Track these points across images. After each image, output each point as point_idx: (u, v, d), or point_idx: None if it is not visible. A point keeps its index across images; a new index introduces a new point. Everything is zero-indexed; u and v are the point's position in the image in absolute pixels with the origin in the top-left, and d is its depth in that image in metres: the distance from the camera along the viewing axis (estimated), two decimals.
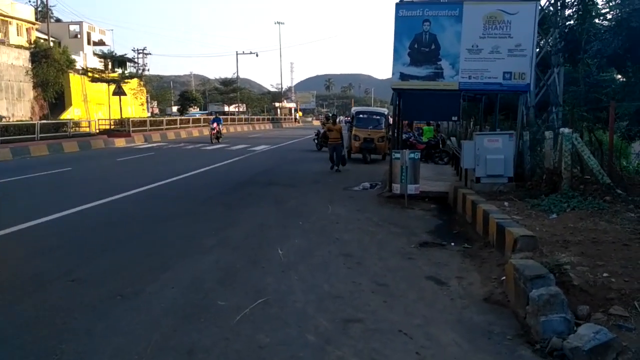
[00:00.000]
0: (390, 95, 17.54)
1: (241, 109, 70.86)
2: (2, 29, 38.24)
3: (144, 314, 4.70)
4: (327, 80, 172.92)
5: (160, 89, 68.62)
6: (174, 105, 70.20)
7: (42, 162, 18.80)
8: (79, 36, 50.66)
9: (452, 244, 7.46)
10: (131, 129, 31.34)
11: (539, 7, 10.87)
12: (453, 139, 19.26)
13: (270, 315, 4.74)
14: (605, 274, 4.77)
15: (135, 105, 46.85)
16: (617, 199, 7.84)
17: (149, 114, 50.52)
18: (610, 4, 10.98)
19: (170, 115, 55.32)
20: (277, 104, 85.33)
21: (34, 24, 42.72)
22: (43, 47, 37.75)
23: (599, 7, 11.52)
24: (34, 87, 36.10)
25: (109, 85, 34.93)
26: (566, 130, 8.85)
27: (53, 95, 36.93)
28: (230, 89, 68.67)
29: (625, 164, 11.76)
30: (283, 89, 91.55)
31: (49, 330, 4.36)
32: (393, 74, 10.83)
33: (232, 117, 56.04)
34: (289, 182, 13.92)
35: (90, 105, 40.97)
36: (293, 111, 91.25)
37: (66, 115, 36.09)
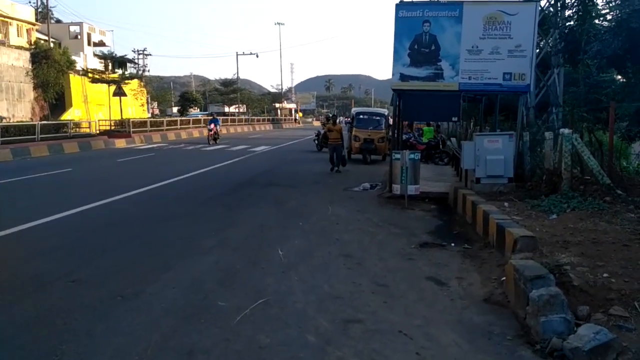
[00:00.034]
0: (391, 95, 17.55)
1: (241, 110, 70.86)
2: (3, 30, 38.27)
3: (144, 315, 4.71)
4: (327, 81, 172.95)
5: (160, 90, 68.72)
6: (174, 106, 70.24)
7: (43, 162, 18.81)
8: (79, 37, 50.70)
9: (452, 244, 7.46)
10: (131, 129, 31.37)
11: (539, 8, 10.88)
12: (453, 139, 19.31)
13: (271, 315, 4.74)
14: (605, 275, 4.77)
15: (135, 106, 46.87)
16: (617, 199, 7.85)
17: (149, 115, 50.54)
18: (610, 5, 10.99)
19: (170, 116, 55.36)
20: (277, 105, 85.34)
21: (34, 24, 42.74)
22: (43, 48, 37.77)
23: (599, 7, 11.55)
24: (35, 88, 36.12)
25: (109, 86, 34.94)
26: (566, 130, 8.85)
27: (53, 96, 36.95)
28: (231, 90, 68.69)
29: (625, 165, 11.76)
30: (283, 90, 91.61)
31: (49, 330, 4.36)
32: (393, 74, 10.84)
33: (233, 117, 56.06)
34: (289, 182, 13.93)
35: (91, 106, 40.99)
36: (293, 112, 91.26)
37: (66, 116, 36.12)
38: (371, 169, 17.71)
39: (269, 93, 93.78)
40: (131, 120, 33.18)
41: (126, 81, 37.32)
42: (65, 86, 38.15)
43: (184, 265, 6.24)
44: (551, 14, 12.54)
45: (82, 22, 52.09)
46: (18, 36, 39.72)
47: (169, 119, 42.86)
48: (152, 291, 5.34)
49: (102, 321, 4.55)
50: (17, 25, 40.29)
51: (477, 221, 7.92)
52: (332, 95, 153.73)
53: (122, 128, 31.87)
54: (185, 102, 63.48)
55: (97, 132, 31.42)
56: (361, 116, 21.46)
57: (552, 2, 12.52)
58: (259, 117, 66.59)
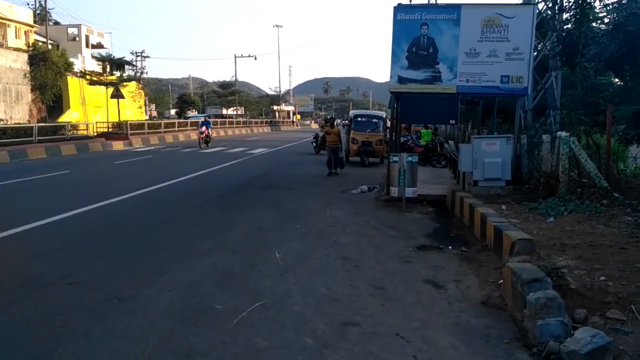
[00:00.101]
0: (389, 98, 17.57)
1: (239, 112, 70.93)
2: (1, 32, 38.26)
3: (141, 317, 4.70)
4: (325, 84, 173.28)
5: (158, 92, 68.61)
6: (172, 108, 70.24)
7: (40, 165, 18.78)
8: (77, 39, 50.70)
9: (450, 247, 7.47)
10: (129, 131, 31.35)
11: (537, 11, 10.89)
12: (451, 142, 19.30)
13: (268, 318, 4.74)
14: (602, 278, 4.78)
15: (133, 108, 46.86)
16: (615, 202, 7.87)
17: (147, 117, 50.54)
18: (608, 8, 11.00)
19: (168, 118, 55.34)
20: (275, 107, 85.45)
21: (32, 26, 42.74)
22: (41, 50, 37.78)
23: (597, 10, 11.55)
24: (32, 90, 36.11)
25: (107, 88, 34.95)
26: (563, 133, 8.88)
27: (51, 98, 36.92)
28: (229, 92, 68.73)
29: (623, 168, 11.79)
30: (281, 92, 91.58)
31: (48, 332, 4.36)
32: (391, 77, 10.85)
33: (231, 120, 56.08)
34: (287, 185, 13.93)
35: (88, 108, 40.96)
36: (291, 114, 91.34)
37: (64, 118, 36.10)
38: (369, 171, 17.72)
39: (267, 95, 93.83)
40: (129, 122, 33.16)
41: (124, 83, 37.40)
42: (63, 88, 38.14)
43: (182, 268, 6.24)
44: (549, 17, 12.56)
45: (80, 24, 52.12)
46: (16, 38, 39.72)
47: (166, 121, 42.81)
48: (150, 294, 5.33)
49: (100, 323, 4.55)
50: (15, 27, 40.29)
51: (475, 224, 7.93)
52: (330, 97, 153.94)
53: (119, 130, 31.85)
54: (184, 104, 63.47)
55: (95, 134, 31.39)
56: (359, 119, 21.47)
57: (550, 5, 12.55)
58: (257, 120, 66.68)
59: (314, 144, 24.68)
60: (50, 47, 40.37)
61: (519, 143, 11.11)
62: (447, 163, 17.33)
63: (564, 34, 11.94)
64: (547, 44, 12.62)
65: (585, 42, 10.95)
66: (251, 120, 63.81)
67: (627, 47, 9.34)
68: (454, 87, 10.56)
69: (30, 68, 35.81)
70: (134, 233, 8.17)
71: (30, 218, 8.71)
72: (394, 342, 4.28)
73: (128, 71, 47.81)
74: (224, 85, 70.64)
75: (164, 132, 36.59)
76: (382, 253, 7.12)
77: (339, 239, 7.92)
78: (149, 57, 57.00)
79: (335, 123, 19.03)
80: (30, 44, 39.41)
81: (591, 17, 11.45)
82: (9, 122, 30.91)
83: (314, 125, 74.62)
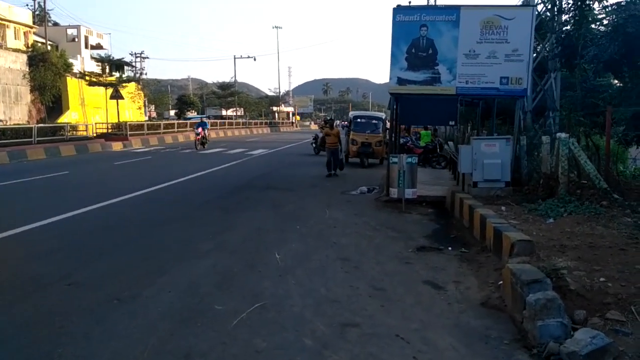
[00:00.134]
0: (388, 99, 17.57)
1: (239, 113, 70.94)
2: (0, 33, 38.23)
3: (141, 318, 4.70)
4: (324, 85, 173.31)
5: (157, 93, 68.59)
6: (172, 109, 70.21)
7: (39, 165, 18.77)
8: (76, 40, 50.70)
9: (450, 248, 7.47)
10: (128, 132, 31.34)
11: (536, 13, 10.90)
12: (450, 143, 19.33)
13: (268, 319, 4.73)
14: (602, 279, 4.78)
15: (132, 109, 46.84)
16: (614, 203, 7.88)
17: (147, 118, 50.54)
18: (607, 10, 11.01)
19: (167, 119, 55.32)
20: (274, 108, 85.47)
21: (31, 27, 42.72)
22: (40, 51, 37.78)
23: (596, 12, 11.55)
24: (31, 91, 36.10)
25: (106, 89, 34.93)
26: (563, 135, 8.89)
27: (50, 98, 36.92)
28: (228, 93, 68.74)
29: (622, 169, 11.81)
30: (281, 93, 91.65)
31: (47, 333, 4.35)
32: (390, 78, 10.86)
33: (230, 121, 56.08)
34: (287, 186, 13.93)
35: (88, 109, 40.95)
36: (291, 115, 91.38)
37: (63, 119, 36.09)
38: (368, 172, 17.72)
39: (267, 96, 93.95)
40: (128, 123, 33.15)
41: (123, 84, 37.35)
42: (63, 89, 38.14)
43: (181, 269, 6.23)
44: (548, 18, 12.57)
45: (79, 25, 52.16)
46: (15, 39, 39.70)
47: (166, 122, 42.81)
48: (149, 294, 5.32)
49: (99, 324, 4.55)
50: (15, 28, 40.27)
51: (474, 225, 7.93)
52: (329, 98, 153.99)
53: (119, 131, 31.85)
54: (183, 105, 63.49)
55: (94, 135, 31.39)
56: (359, 120, 21.47)
57: (549, 6, 12.56)
58: (256, 121, 66.68)
59: (314, 145, 24.69)
60: (49, 48, 40.38)
61: (518, 144, 11.12)
62: (447, 164, 17.33)
63: (563, 36, 11.95)
64: (546, 45, 12.64)
65: (585, 43, 10.96)
66: (251, 121, 63.80)
67: (626, 49, 9.35)
68: (454, 88, 10.58)
69: (29, 69, 35.81)
70: (133, 234, 8.17)
71: (29, 219, 8.70)
72: (394, 343, 4.28)
73: (127, 72, 47.78)
74: (224, 86, 70.64)
75: (164, 133, 36.59)
76: (382, 254, 7.12)
77: (339, 240, 7.92)
78: (148, 58, 56.89)
79: (334, 124, 19.00)
80: (30, 45, 39.42)
81: (590, 19, 11.45)
82: (8, 123, 30.91)
83: (314, 126, 74.75)
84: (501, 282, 5.34)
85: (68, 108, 38.62)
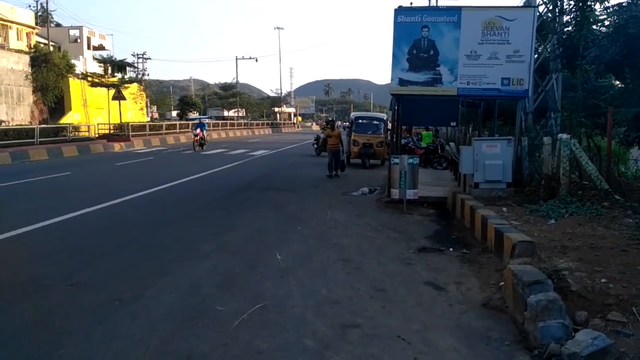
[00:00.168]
0: (389, 100, 17.58)
1: (241, 114, 71.00)
2: (2, 34, 38.35)
3: (142, 319, 4.71)
4: (326, 86, 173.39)
5: (159, 94, 68.71)
6: (174, 110, 70.29)
7: (42, 166, 18.80)
8: (78, 41, 50.82)
9: (451, 249, 7.47)
10: (130, 133, 31.37)
11: (537, 14, 10.91)
12: (452, 144, 19.34)
13: (269, 320, 4.74)
14: (603, 280, 4.78)
15: (134, 109, 46.92)
16: (615, 204, 7.87)
17: (149, 119, 50.58)
18: (608, 11, 11.00)
19: (169, 120, 55.38)
20: (276, 109, 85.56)
21: (34, 28, 42.85)
22: (43, 52, 37.86)
23: (597, 13, 11.54)
24: (34, 92, 36.18)
25: (108, 89, 35.00)
26: (564, 136, 8.88)
27: (53, 99, 37.00)
28: (230, 94, 68.81)
29: (624, 170, 11.78)
30: (282, 94, 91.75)
31: (48, 333, 4.36)
32: (392, 79, 10.87)
33: (232, 121, 56.12)
34: (288, 186, 13.94)
35: (90, 110, 41.04)
36: (292, 116, 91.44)
37: (66, 120, 36.17)
38: (370, 173, 17.72)
39: (268, 97, 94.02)
40: (130, 124, 33.19)
41: (125, 85, 37.43)
42: (65, 90, 38.21)
43: (183, 269, 6.24)
44: (549, 19, 12.57)
45: (82, 26, 52.30)
46: (18, 40, 39.83)
47: (167, 122, 42.85)
48: (151, 295, 5.33)
49: (101, 325, 4.55)
50: (17, 28, 40.40)
51: (476, 226, 7.93)
52: (331, 99, 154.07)
53: (121, 132, 31.88)
54: (185, 106, 63.54)
55: (96, 135, 31.44)
56: (360, 120, 21.49)
57: (550, 7, 12.56)
58: (258, 121, 66.69)
59: (315, 146, 24.70)
60: (51, 48, 40.47)
61: (519, 145, 11.11)
62: (448, 165, 17.33)
63: (564, 37, 11.95)
64: (547, 46, 12.64)
65: (586, 44, 10.96)
66: (252, 122, 63.83)
67: (628, 50, 9.34)
68: (455, 89, 10.58)
69: (31, 70, 35.89)
70: (135, 234, 8.18)
71: (31, 219, 8.72)
72: (395, 344, 4.29)
73: (129, 73, 47.97)
74: (225, 87, 70.73)
75: (165, 133, 36.62)
76: (383, 255, 7.12)
77: (340, 241, 7.92)
78: (150, 58, 56.84)
79: (335, 125, 19.00)
80: (32, 46, 39.53)
81: (592, 20, 11.45)
82: (10, 124, 30.97)
83: (315, 127, 74.83)
84: (502, 283, 5.34)
85: (70, 109, 38.70)
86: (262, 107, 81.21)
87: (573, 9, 11.74)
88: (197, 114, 63.47)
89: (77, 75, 39.65)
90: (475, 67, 10.41)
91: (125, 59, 43.69)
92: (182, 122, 46.63)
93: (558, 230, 6.75)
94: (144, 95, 50.81)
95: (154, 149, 28.83)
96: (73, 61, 40.49)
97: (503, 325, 4.66)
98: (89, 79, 36.35)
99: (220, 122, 52.67)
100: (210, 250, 7.19)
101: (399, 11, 10.68)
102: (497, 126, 13.41)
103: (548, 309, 4.15)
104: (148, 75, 58.68)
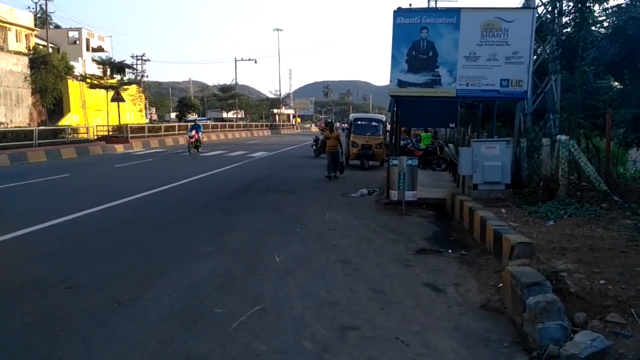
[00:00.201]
0: (388, 101, 17.59)
1: (240, 116, 71.02)
2: (1, 35, 38.33)
3: (140, 321, 4.70)
4: (325, 87, 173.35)
5: (158, 95, 68.74)
6: (173, 111, 70.30)
7: (40, 168, 18.79)
8: (77, 42, 50.82)
9: (450, 250, 7.47)
10: (129, 135, 31.36)
11: (536, 15, 10.92)
12: (451, 145, 19.32)
13: (267, 322, 4.73)
14: (602, 281, 4.78)
15: (133, 111, 46.93)
16: (614, 205, 7.87)
17: (148, 120, 50.60)
18: (607, 12, 11.01)
19: (168, 121, 55.39)
20: (275, 111, 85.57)
21: (32, 30, 42.84)
22: (42, 54, 37.88)
23: (596, 14, 11.56)
24: (33, 93, 36.17)
25: (107, 91, 34.98)
26: (563, 137, 8.89)
27: (51, 101, 37.00)
28: (229, 96, 68.81)
29: (622, 171, 11.78)
30: (281, 96, 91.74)
31: (47, 336, 4.35)
32: (391, 80, 10.86)
33: (231, 123, 56.15)
34: (287, 188, 13.93)
35: (89, 112, 41.03)
36: (291, 118, 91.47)
37: (64, 122, 36.15)
38: (369, 174, 17.72)
39: (267, 99, 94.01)
40: (129, 125, 33.19)
41: (124, 87, 37.40)
42: (64, 91, 38.22)
43: (181, 271, 6.24)
44: (548, 20, 12.58)
45: (80, 28, 52.26)
46: (17, 41, 39.81)
47: (166, 124, 42.85)
48: (149, 297, 5.33)
49: (99, 327, 4.55)
50: (16, 30, 40.39)
51: (475, 227, 7.92)
52: (330, 101, 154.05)
53: (120, 134, 31.86)
54: (184, 107, 63.50)
55: (95, 137, 31.40)
56: (359, 122, 21.49)
57: (549, 9, 12.57)
58: (257, 123, 66.75)
59: (314, 147, 24.71)
60: (50, 50, 40.54)
61: (518, 146, 11.12)
62: (447, 166, 17.33)
63: (563, 38, 11.96)
64: (546, 47, 12.65)
65: (585, 45, 10.96)
66: (251, 123, 63.87)
67: (627, 51, 9.35)
68: (454, 90, 10.58)
69: (30, 71, 35.89)
70: (134, 236, 8.18)
71: (30, 221, 8.71)
72: (394, 346, 4.28)
73: (128, 74, 47.89)
74: (224, 88, 70.74)
75: (164, 135, 36.62)
76: (382, 256, 7.12)
77: (339, 242, 7.92)
78: (149, 60, 56.90)
79: (334, 127, 19.00)
80: (31, 48, 39.54)
81: (590, 21, 11.46)
82: (9, 126, 30.96)
83: (314, 129, 74.88)
84: (501, 284, 5.34)
85: (69, 110, 38.70)
86: (261, 108, 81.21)
87: (572, 10, 11.76)
88: (196, 115, 63.44)
89: (76, 77, 39.66)
90: (474, 69, 10.41)
91: (124, 61, 43.55)
92: (181, 123, 46.63)
93: (557, 231, 6.75)
94: (143, 97, 50.82)
95: (152, 151, 28.82)
96: (72, 63, 40.52)
97: (502, 326, 4.65)
98: (88, 80, 36.34)
99: (219, 123, 52.70)
100: (209, 252, 7.18)
101: (398, 13, 10.69)
102: (496, 127, 13.41)
103: (547, 310, 4.14)
104: (147, 76, 58.87)
